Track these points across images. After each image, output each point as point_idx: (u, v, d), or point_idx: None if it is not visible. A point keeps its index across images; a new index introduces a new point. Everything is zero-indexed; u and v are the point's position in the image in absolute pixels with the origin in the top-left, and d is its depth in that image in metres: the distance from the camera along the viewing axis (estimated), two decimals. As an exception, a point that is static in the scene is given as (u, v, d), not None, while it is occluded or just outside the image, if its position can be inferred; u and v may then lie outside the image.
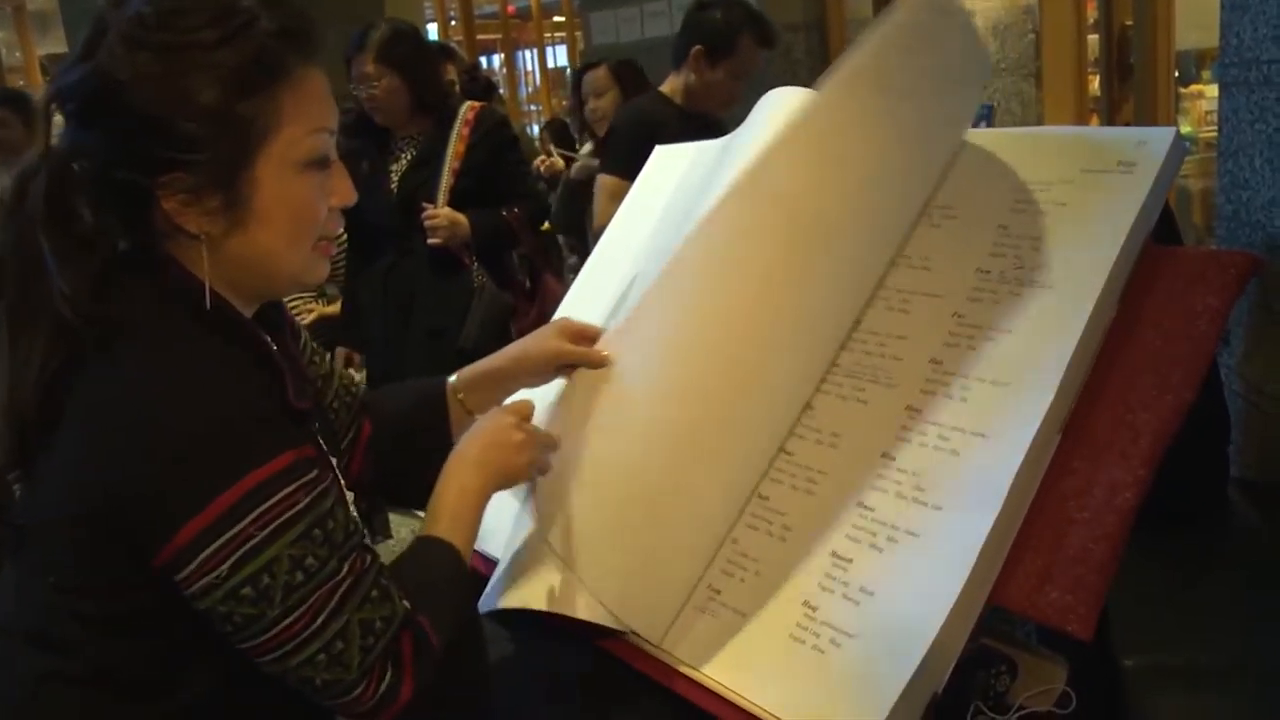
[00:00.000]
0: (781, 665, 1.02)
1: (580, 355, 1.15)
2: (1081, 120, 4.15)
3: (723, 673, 1.05)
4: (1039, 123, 4.35)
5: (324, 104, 0.88)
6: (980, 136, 1.24)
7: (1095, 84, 4.42)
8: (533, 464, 1.06)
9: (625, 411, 1.14)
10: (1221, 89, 1.68)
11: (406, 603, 0.87)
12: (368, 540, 0.87)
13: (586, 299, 1.53)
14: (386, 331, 2.67)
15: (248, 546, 0.76)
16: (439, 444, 1.08)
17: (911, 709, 0.93)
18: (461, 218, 2.58)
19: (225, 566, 0.76)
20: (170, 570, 0.78)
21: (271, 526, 0.77)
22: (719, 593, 1.12)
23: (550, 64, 10.53)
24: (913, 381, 1.10)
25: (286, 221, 0.86)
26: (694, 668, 1.07)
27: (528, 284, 2.76)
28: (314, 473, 0.81)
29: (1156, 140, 1.05)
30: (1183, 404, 0.93)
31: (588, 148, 2.91)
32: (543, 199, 2.88)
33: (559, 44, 10.42)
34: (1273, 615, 1.38)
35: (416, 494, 1.03)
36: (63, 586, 0.83)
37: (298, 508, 0.78)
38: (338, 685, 0.81)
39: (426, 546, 0.95)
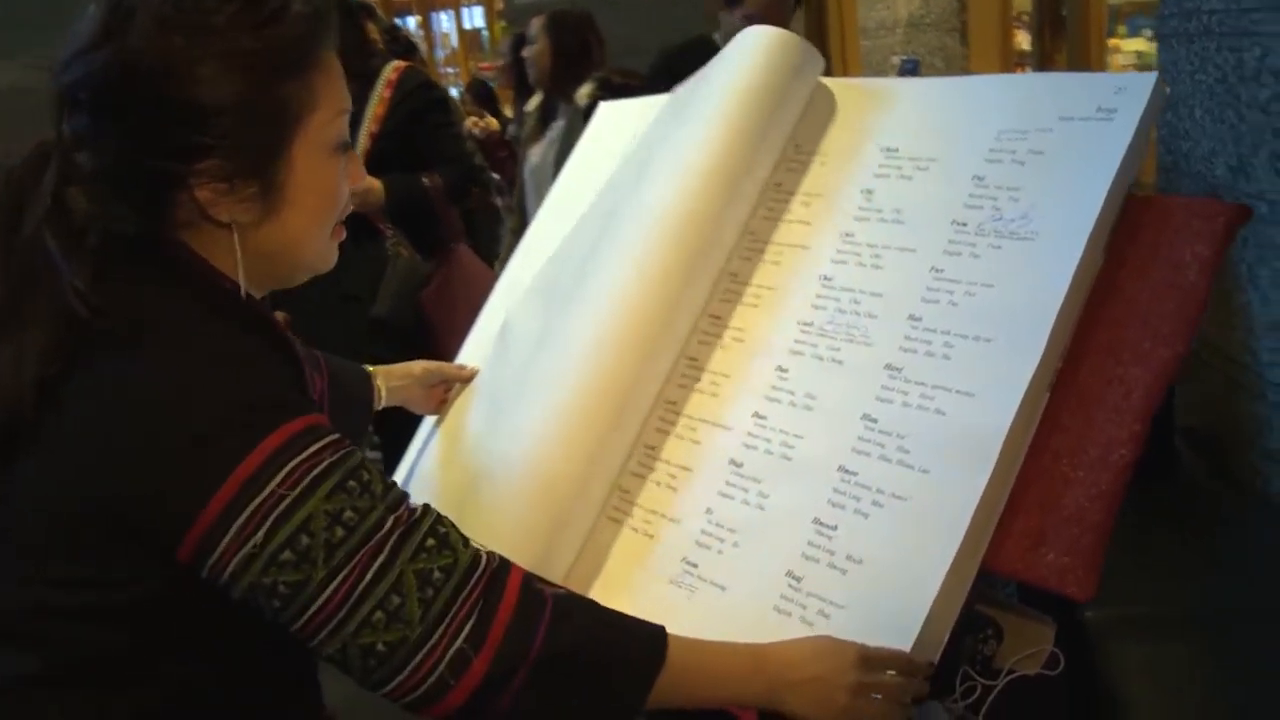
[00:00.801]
0: (767, 640, 0.97)
1: (455, 371, 1.37)
2: (1007, 76, 4.15)
3: (705, 649, 1.00)
4: (964, 78, 4.35)
5: (344, 85, 0.87)
6: (949, 84, 1.20)
7: (1020, 38, 4.44)
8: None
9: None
10: (1160, 40, 1.67)
11: (489, 554, 0.81)
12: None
13: (533, 254, 1.49)
14: (310, 296, 2.56)
15: (281, 507, 0.73)
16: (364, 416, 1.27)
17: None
18: (375, 182, 2.45)
19: (261, 533, 0.73)
20: (201, 554, 0.74)
21: (303, 484, 0.74)
22: (695, 566, 1.08)
23: (467, 25, 10.26)
24: (891, 339, 1.06)
25: (316, 207, 0.85)
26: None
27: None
28: (335, 435, 0.79)
29: (1137, 86, 1.02)
30: (1175, 357, 0.91)
31: (536, 100, 2.80)
32: (470, 164, 2.77)
33: (475, 5, 10.16)
34: (1221, 562, 1.40)
35: None
36: (44, 581, 0.79)
37: (326, 463, 0.76)
38: (403, 647, 0.75)
39: (651, 624, 0.86)
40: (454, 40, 10.52)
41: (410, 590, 0.76)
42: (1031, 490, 0.94)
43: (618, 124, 1.60)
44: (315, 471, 0.75)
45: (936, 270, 1.07)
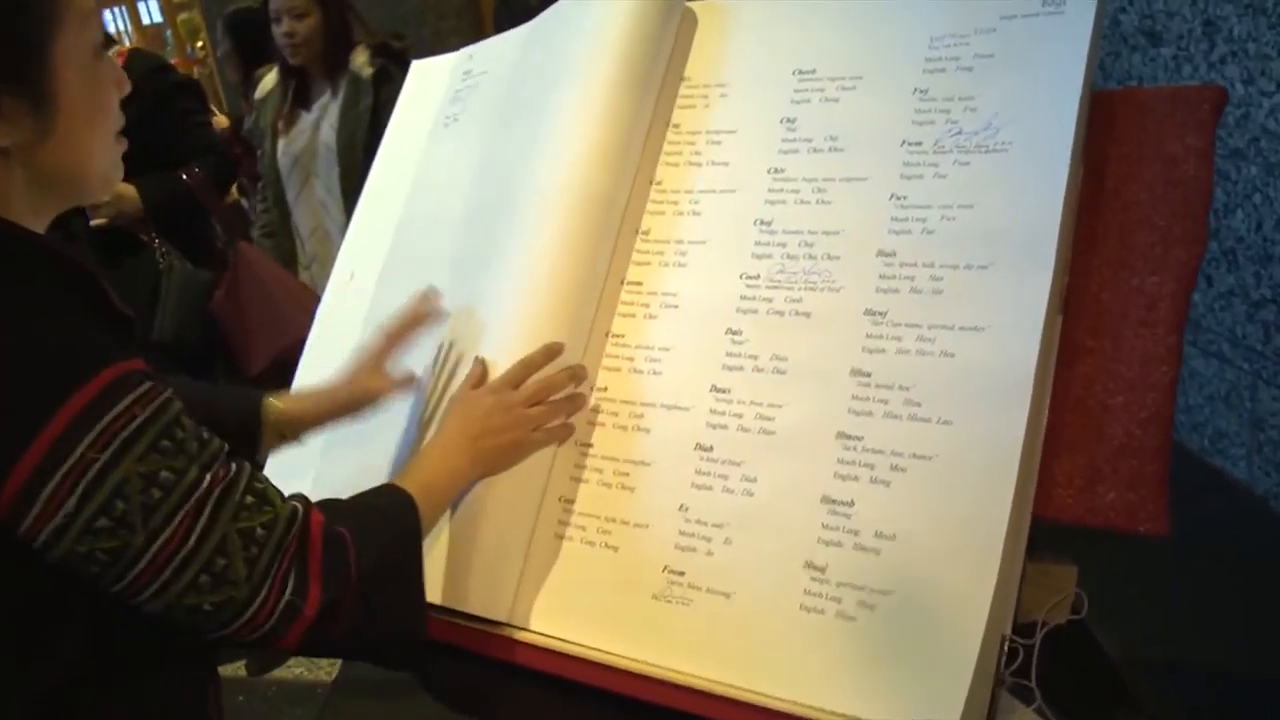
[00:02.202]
0: (802, 646, 0.83)
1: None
2: None
3: (726, 671, 0.85)
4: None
5: None
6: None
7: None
8: (520, 445, 0.97)
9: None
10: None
11: (296, 504, 0.80)
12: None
13: (369, 229, 1.33)
14: None
15: (92, 473, 0.69)
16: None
17: (989, 657, 0.78)
18: (127, 188, 2.13)
19: (73, 501, 0.69)
20: (10, 524, 0.69)
21: (113, 446, 0.70)
22: (682, 574, 0.91)
23: (145, 20, 9.29)
24: (863, 280, 0.94)
25: (93, 114, 0.79)
26: (686, 672, 0.86)
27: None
28: (147, 385, 0.73)
29: (1080, -26, 0.94)
30: (1194, 257, 0.84)
31: (272, 78, 2.42)
32: (227, 153, 2.41)
33: (151, -2, 9.20)
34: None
35: None
36: None
37: (137, 421, 0.71)
38: (230, 605, 0.74)
39: (383, 489, 0.90)
40: (130, 39, 9.51)
41: (235, 551, 0.74)
42: (1068, 425, 0.84)
43: (432, 85, 1.39)
44: (127, 432, 0.70)
45: (898, 198, 0.95)
